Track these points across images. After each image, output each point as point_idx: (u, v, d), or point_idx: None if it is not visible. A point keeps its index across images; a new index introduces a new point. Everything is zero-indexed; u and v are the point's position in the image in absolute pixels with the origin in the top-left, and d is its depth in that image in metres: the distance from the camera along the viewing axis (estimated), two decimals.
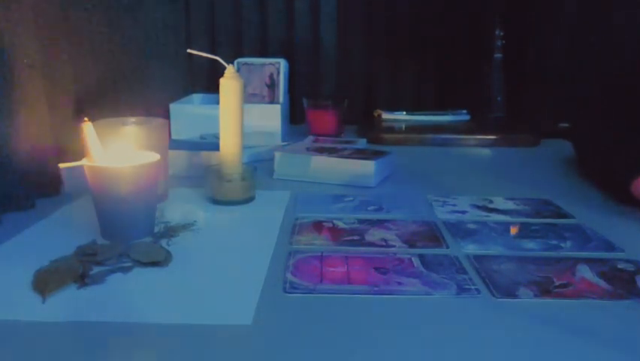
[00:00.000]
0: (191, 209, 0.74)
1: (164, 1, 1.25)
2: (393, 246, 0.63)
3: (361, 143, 1.10)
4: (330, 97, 1.35)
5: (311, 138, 1.10)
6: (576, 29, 1.29)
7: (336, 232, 0.67)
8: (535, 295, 0.51)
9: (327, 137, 1.16)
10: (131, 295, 0.51)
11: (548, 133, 1.25)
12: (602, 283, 0.54)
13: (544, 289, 0.53)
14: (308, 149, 0.96)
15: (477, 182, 0.93)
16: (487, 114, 1.38)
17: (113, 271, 0.55)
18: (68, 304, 0.49)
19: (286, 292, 0.52)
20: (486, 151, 1.18)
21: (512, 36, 1.35)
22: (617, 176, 0.77)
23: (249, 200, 0.79)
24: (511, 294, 0.52)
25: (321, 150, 0.94)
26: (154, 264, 0.57)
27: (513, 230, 0.69)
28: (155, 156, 0.65)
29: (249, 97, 1.17)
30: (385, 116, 1.39)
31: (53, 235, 0.65)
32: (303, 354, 0.42)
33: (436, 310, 0.49)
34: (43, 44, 0.76)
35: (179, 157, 0.90)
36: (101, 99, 0.93)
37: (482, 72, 1.38)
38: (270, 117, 1.15)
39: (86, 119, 0.62)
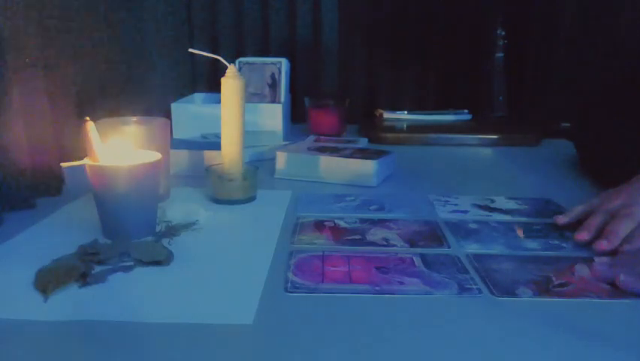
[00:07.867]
0: (193, 208, 0.74)
1: (165, 1, 1.25)
2: (395, 245, 0.64)
3: (363, 142, 1.10)
4: (331, 96, 1.35)
5: (312, 137, 1.10)
6: (576, 29, 1.29)
7: (337, 232, 0.68)
8: (534, 294, 0.51)
9: (329, 136, 1.16)
10: (133, 295, 0.51)
11: (550, 132, 1.25)
12: (601, 283, 0.54)
13: (543, 288, 0.53)
14: (309, 148, 0.96)
15: (478, 181, 0.93)
16: (488, 114, 1.38)
17: (114, 271, 0.55)
18: (70, 303, 0.49)
19: (287, 291, 0.52)
20: (487, 151, 1.17)
21: (514, 36, 1.35)
22: (619, 176, 0.77)
23: (250, 199, 0.79)
24: (511, 293, 0.52)
25: (322, 150, 0.94)
26: (155, 263, 0.57)
27: (519, 232, 0.68)
28: (156, 156, 0.65)
29: (250, 96, 1.17)
30: (387, 115, 1.39)
31: (55, 234, 0.65)
32: (304, 354, 0.42)
33: (437, 310, 0.49)
34: (44, 43, 0.77)
35: (180, 156, 0.90)
36: (102, 98, 0.93)
37: (484, 72, 1.38)
38: (272, 117, 1.15)
39: (87, 118, 0.62)
